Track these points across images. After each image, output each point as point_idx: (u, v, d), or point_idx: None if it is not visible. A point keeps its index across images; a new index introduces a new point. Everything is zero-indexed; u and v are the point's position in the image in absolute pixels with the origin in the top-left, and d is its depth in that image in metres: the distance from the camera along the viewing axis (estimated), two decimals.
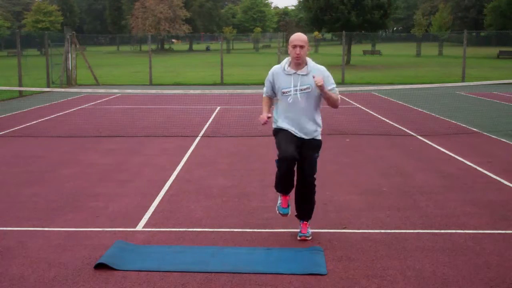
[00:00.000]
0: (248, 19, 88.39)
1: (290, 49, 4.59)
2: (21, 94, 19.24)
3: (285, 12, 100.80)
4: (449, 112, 13.85)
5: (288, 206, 4.88)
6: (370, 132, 10.82)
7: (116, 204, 5.95)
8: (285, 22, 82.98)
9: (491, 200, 6.06)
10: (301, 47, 4.53)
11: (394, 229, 5.10)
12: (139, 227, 5.20)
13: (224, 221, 5.33)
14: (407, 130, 11.09)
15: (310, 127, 4.70)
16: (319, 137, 4.81)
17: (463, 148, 9.19)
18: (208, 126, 11.92)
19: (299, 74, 4.63)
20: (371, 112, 14.27)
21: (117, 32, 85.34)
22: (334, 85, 4.72)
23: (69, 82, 24.45)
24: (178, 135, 10.59)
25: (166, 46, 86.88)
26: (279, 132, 4.76)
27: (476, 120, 12.50)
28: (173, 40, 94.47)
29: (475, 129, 11.17)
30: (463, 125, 11.77)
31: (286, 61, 4.73)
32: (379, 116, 13.36)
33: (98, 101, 17.77)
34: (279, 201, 4.94)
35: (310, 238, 4.83)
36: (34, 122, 12.66)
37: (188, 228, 5.15)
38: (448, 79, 26.31)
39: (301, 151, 4.70)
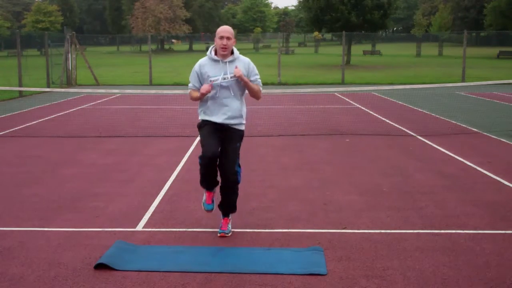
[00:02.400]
0: (248, 19, 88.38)
1: (217, 40, 4.72)
2: (21, 94, 19.24)
3: (285, 12, 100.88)
4: (449, 112, 13.85)
5: (212, 202, 5.04)
6: (370, 132, 10.82)
7: (116, 204, 5.95)
8: (285, 22, 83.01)
9: (491, 200, 6.06)
10: (228, 38, 4.68)
11: (394, 229, 5.09)
12: (139, 227, 5.20)
13: None
14: (407, 130, 11.09)
15: (234, 113, 4.83)
16: (242, 128, 4.96)
17: (463, 148, 9.19)
18: None
19: (226, 62, 4.77)
20: (371, 112, 14.27)
21: (117, 32, 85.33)
22: (258, 76, 4.91)
23: (69, 82, 24.46)
24: (178, 135, 10.59)
25: (166, 46, 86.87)
26: (202, 127, 4.91)
27: (476, 120, 12.50)
28: (173, 40, 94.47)
29: (475, 129, 11.17)
30: (463, 125, 11.77)
31: (211, 49, 4.83)
32: (379, 116, 13.36)
33: (98, 101, 17.77)
34: (204, 197, 5.08)
35: (229, 234, 4.91)
36: (34, 122, 12.66)
37: (188, 228, 5.15)
38: (448, 79, 26.31)
39: (223, 142, 4.84)
